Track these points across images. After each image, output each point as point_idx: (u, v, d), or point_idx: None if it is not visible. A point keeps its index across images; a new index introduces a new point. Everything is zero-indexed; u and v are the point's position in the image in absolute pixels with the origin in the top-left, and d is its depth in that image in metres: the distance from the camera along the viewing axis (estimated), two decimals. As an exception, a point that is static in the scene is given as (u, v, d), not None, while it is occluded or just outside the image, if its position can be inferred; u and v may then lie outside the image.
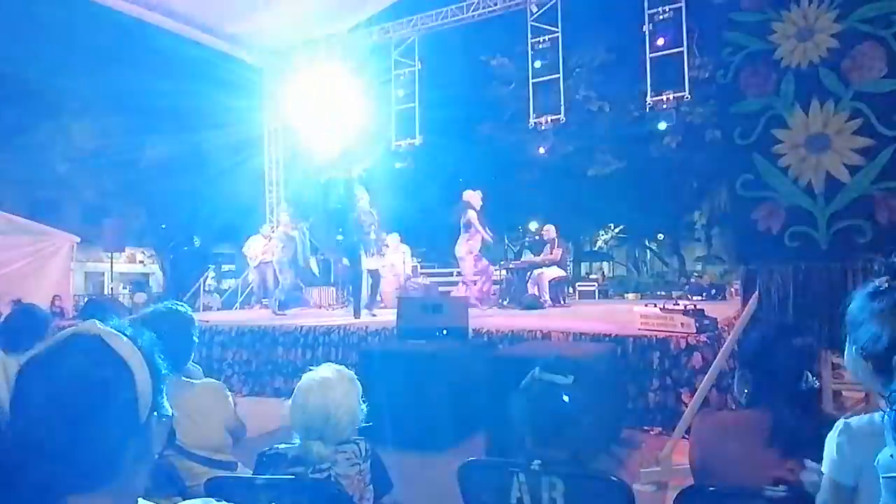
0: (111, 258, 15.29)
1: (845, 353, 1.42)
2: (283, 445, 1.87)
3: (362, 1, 11.39)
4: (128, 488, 0.85)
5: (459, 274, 14.21)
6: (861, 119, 3.56)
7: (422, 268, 13.10)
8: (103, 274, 25.32)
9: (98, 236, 16.35)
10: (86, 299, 12.39)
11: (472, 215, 8.55)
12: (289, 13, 11.18)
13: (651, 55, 9.64)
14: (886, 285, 1.33)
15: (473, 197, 8.67)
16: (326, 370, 1.93)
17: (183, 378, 2.25)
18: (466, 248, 8.57)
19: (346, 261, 8.51)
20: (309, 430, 1.80)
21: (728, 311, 6.38)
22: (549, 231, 10.04)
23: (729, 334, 4.53)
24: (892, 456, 1.19)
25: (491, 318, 7.24)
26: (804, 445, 1.65)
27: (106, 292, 22.96)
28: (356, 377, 1.98)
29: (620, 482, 1.65)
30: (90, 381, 0.81)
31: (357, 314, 8.05)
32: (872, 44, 3.55)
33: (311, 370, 1.94)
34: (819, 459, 1.45)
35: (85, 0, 10.14)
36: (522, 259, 11.45)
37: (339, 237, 8.94)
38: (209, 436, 2.15)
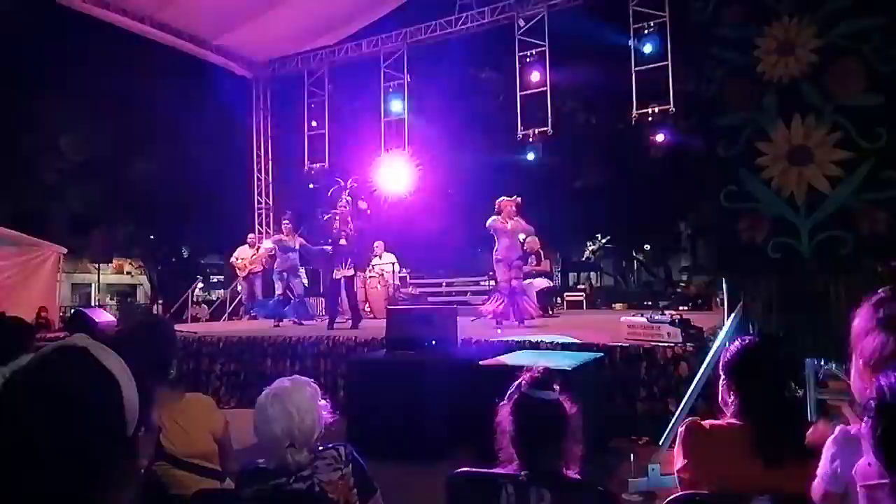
0: (98, 269, 15.18)
1: (851, 370, 1.41)
2: (262, 461, 1.87)
3: (351, 14, 11.46)
4: (114, 502, 0.85)
5: (450, 284, 14.24)
6: (841, 132, 3.63)
7: (411, 278, 13.09)
8: (90, 285, 25.10)
9: (85, 247, 16.25)
10: (72, 311, 12.24)
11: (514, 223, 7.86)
12: (278, 26, 11.22)
13: (636, 69, 9.78)
14: (889, 294, 1.34)
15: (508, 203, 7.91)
16: (279, 382, 1.94)
17: (168, 388, 2.25)
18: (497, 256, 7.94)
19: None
20: (279, 441, 1.80)
21: (713, 320, 6.44)
22: (533, 243, 10.09)
23: (714, 344, 4.57)
24: (869, 464, 1.21)
25: (480, 328, 7.24)
26: (788, 455, 1.67)
27: (93, 304, 22.73)
28: (310, 380, 1.98)
29: (608, 492, 1.67)
30: (77, 396, 0.81)
31: (329, 326, 8.05)
32: (851, 59, 3.62)
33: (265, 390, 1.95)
34: (803, 467, 1.47)
35: (74, 10, 10.12)
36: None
37: (328, 247, 8.88)
38: (197, 443, 2.15)
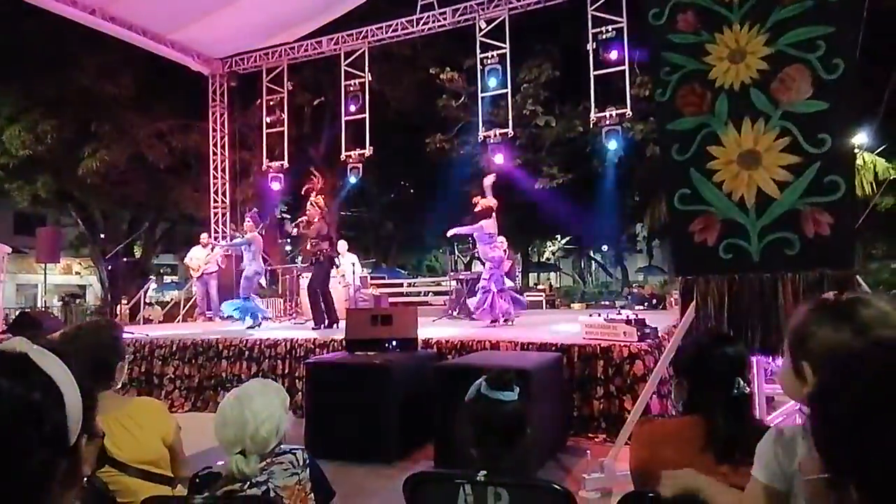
0: (45, 269, 14.63)
1: (784, 371, 1.42)
2: (216, 465, 1.83)
3: (312, 12, 11.32)
4: (54, 512, 0.82)
5: (411, 284, 14.19)
6: (789, 137, 3.75)
7: (371, 278, 13.02)
8: (36, 286, 24.16)
9: (31, 246, 15.60)
10: (17, 313, 11.76)
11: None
12: (237, 22, 11.01)
13: (595, 73, 9.93)
14: (833, 298, 1.35)
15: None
16: (249, 383, 1.90)
17: (115, 393, 2.19)
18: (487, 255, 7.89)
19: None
20: (231, 445, 1.76)
21: (668, 320, 6.60)
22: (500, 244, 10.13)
23: (669, 342, 4.68)
24: (811, 458, 1.24)
25: (440, 329, 7.26)
26: (737, 450, 1.72)
27: (39, 305, 21.88)
28: (282, 388, 1.95)
29: (564, 490, 1.68)
30: (16, 403, 0.77)
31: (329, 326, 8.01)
32: (799, 66, 3.75)
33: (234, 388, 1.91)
34: (750, 463, 1.51)
35: (21, 2, 9.70)
36: (472, 270, 11.50)
37: (288, 248, 8.74)
38: (146, 448, 2.09)
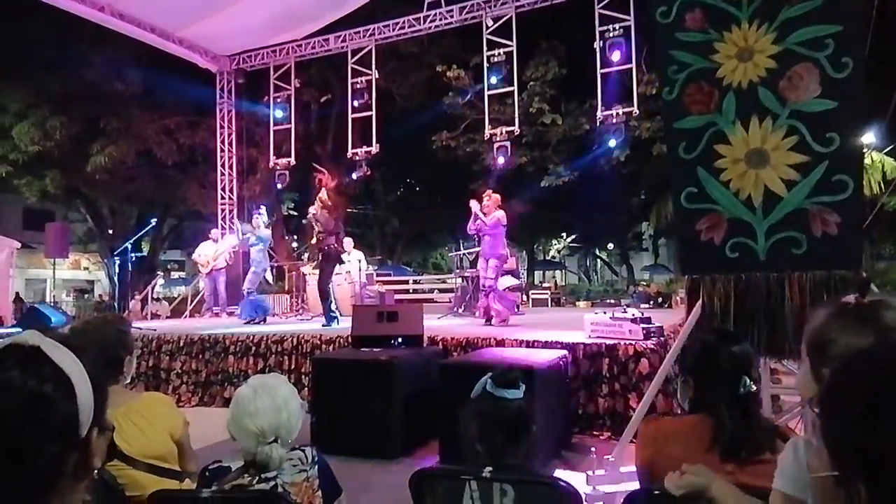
0: (54, 264, 14.73)
1: (804, 378, 1.35)
2: (226, 459, 1.84)
3: (319, 9, 11.32)
4: (65, 504, 0.83)
5: (417, 282, 14.18)
6: (797, 136, 3.72)
7: (377, 276, 13.04)
8: (45, 280, 24.36)
9: (40, 241, 15.72)
10: (26, 307, 11.85)
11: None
12: (244, 20, 11.03)
13: (601, 71, 9.90)
14: (854, 301, 1.31)
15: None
16: (262, 377, 1.92)
17: (124, 388, 2.21)
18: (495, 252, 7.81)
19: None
20: (263, 436, 1.77)
21: (674, 318, 6.59)
22: None
23: (674, 341, 4.67)
24: (820, 457, 1.24)
25: (446, 326, 7.26)
26: (743, 448, 1.72)
27: (48, 300, 22.05)
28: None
29: (569, 487, 1.69)
30: (29, 396, 0.78)
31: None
32: (807, 65, 3.72)
33: (244, 384, 1.92)
34: (758, 460, 1.50)
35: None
36: (478, 267, 11.42)
37: (294, 244, 8.78)
38: (154, 443, 2.11)
